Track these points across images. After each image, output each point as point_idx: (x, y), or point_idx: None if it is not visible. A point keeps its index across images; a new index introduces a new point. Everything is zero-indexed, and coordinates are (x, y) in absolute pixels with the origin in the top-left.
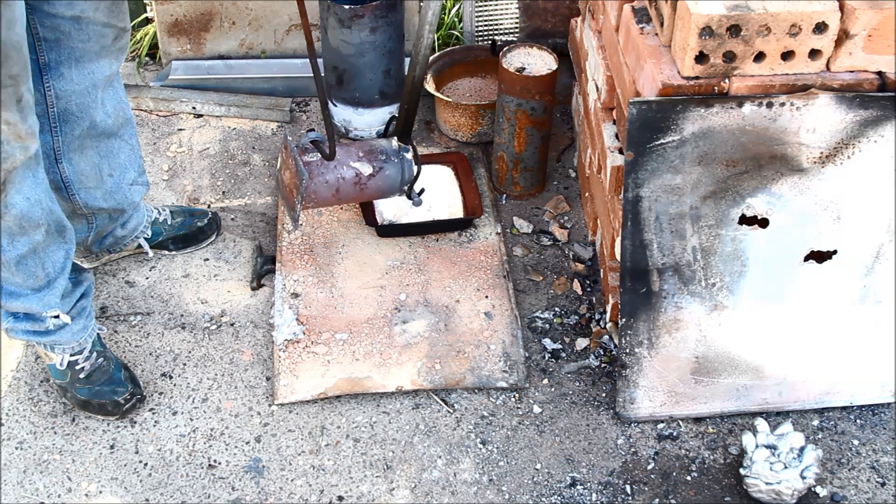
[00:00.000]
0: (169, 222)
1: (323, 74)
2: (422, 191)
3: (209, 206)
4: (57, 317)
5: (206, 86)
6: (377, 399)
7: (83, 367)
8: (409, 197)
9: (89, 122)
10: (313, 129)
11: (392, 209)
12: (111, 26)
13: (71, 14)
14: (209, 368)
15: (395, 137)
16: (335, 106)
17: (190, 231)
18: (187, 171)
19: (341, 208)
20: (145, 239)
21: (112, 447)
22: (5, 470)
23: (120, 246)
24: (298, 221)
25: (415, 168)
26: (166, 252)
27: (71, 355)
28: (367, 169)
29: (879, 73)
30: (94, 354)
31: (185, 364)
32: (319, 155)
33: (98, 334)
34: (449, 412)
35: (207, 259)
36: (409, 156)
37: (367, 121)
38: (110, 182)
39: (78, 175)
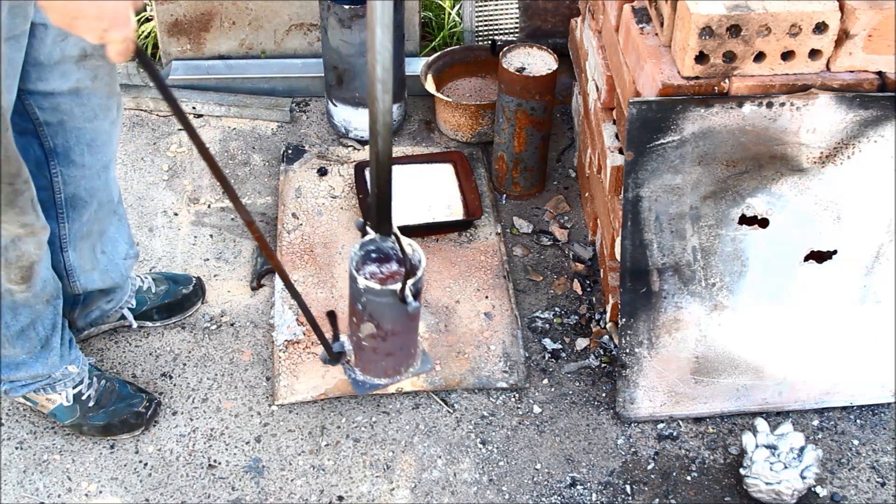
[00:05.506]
0: (153, 290)
1: (323, 74)
2: (418, 291)
3: (195, 277)
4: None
5: (206, 86)
6: (377, 399)
7: (89, 395)
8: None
9: (97, 204)
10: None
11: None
12: (114, 95)
13: (68, 87)
14: (209, 368)
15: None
16: (335, 106)
17: (175, 300)
18: (187, 170)
19: (341, 207)
20: (129, 309)
21: (112, 447)
22: (5, 470)
23: (104, 318)
24: (433, 364)
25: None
26: (150, 323)
27: (73, 387)
28: (368, 329)
29: (879, 73)
30: (95, 379)
31: (185, 364)
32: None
33: (90, 364)
34: (449, 412)
35: (207, 259)
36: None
37: (368, 120)
38: (104, 260)
39: (80, 261)
